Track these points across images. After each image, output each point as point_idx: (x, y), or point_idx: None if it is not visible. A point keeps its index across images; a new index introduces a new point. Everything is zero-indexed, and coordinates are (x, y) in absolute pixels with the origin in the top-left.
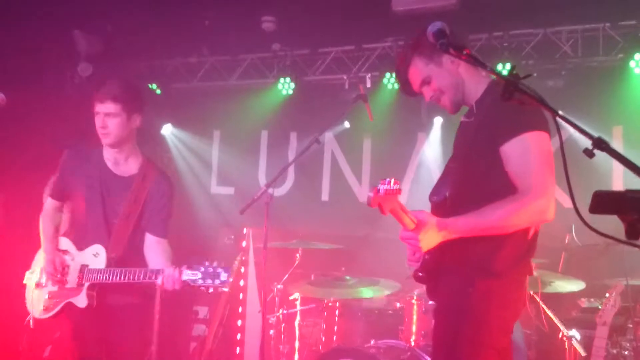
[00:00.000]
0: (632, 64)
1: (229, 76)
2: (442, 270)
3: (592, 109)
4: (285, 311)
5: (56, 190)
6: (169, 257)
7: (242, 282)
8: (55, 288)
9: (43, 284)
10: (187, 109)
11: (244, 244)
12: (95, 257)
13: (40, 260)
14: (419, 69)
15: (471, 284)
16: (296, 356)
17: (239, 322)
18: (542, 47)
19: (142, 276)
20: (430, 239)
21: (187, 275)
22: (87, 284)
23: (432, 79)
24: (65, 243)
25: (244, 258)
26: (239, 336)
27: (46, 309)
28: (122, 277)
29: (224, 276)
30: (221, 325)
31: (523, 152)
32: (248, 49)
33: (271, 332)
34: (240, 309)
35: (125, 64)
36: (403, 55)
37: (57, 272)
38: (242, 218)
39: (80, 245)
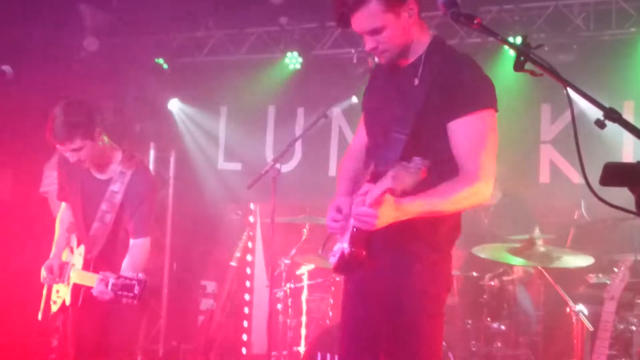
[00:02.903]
0: None
1: (236, 51)
2: (377, 246)
3: (604, 83)
4: (292, 285)
5: (59, 192)
6: (139, 260)
7: (249, 257)
8: (60, 285)
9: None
10: (193, 84)
11: (251, 219)
12: (80, 256)
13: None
14: (373, 14)
15: (419, 260)
16: (303, 330)
17: (247, 297)
18: (553, 20)
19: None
20: (387, 217)
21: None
22: (71, 283)
23: (384, 31)
24: (73, 241)
25: (251, 233)
26: (246, 310)
27: (54, 303)
28: (85, 279)
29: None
30: (229, 300)
31: (474, 132)
32: (255, 23)
33: (278, 306)
34: (247, 284)
35: (131, 38)
36: None
37: (54, 275)
38: (249, 193)
39: (77, 244)
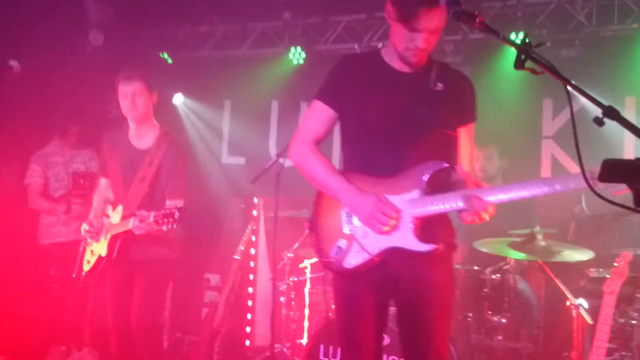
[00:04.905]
0: None
1: (239, 45)
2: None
3: (606, 79)
4: (295, 279)
5: (101, 169)
6: None
7: (253, 251)
8: (93, 245)
9: (88, 243)
10: (198, 79)
11: (255, 213)
12: (117, 214)
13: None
14: (443, 14)
15: (453, 250)
16: (306, 323)
17: (250, 290)
18: (556, 16)
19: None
20: None
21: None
22: (108, 237)
23: (438, 32)
24: (109, 209)
25: (254, 227)
26: (250, 303)
27: (88, 263)
28: (122, 226)
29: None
30: (232, 292)
31: (472, 138)
32: (259, 18)
33: (282, 299)
34: (251, 277)
35: (136, 32)
36: None
37: (93, 230)
38: (253, 187)
39: (114, 208)
